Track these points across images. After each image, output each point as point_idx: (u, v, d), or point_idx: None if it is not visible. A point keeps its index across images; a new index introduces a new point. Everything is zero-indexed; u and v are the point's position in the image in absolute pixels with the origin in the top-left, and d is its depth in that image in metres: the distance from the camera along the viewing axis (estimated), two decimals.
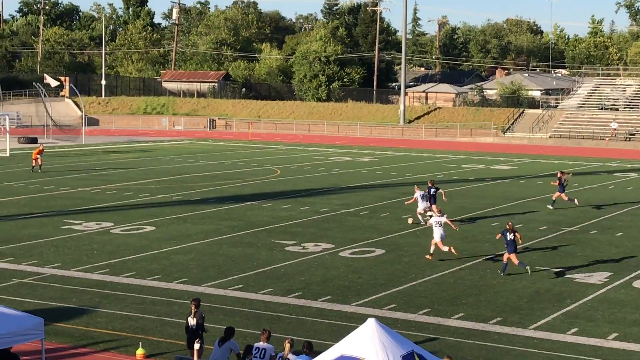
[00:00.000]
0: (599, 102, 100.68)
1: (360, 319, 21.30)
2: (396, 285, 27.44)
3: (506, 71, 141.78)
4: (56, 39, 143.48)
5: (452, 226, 32.29)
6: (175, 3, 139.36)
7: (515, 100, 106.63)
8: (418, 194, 38.79)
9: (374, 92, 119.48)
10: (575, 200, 43.80)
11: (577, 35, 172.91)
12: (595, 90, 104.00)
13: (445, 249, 30.99)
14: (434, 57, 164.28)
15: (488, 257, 31.73)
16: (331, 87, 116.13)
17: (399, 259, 31.25)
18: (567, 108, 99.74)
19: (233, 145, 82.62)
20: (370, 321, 15.31)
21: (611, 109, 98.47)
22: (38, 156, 56.79)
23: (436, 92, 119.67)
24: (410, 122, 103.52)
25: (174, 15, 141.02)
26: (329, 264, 30.33)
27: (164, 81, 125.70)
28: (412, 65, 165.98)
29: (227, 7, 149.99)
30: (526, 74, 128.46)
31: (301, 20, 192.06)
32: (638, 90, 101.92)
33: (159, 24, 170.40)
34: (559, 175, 44.15)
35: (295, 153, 75.30)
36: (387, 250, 32.64)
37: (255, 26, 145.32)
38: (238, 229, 36.90)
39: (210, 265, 29.93)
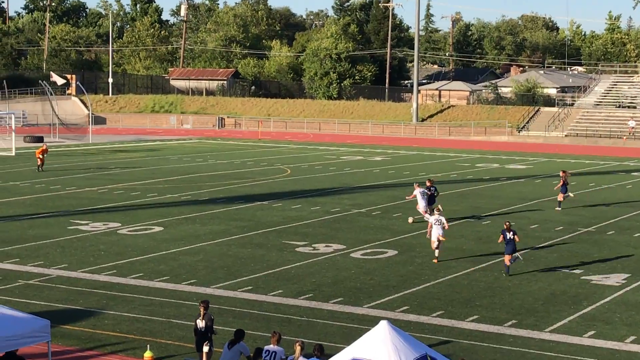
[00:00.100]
0: (616, 100, 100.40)
1: (373, 321, 21.29)
2: (409, 287, 27.41)
3: (521, 68, 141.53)
4: (63, 36, 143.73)
5: (446, 226, 31.96)
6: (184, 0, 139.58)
7: (530, 98, 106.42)
8: (418, 191, 38.85)
9: (386, 90, 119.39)
10: (570, 194, 43.86)
11: (593, 32, 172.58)
12: (613, 87, 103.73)
13: (434, 245, 31.21)
14: (447, 54, 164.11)
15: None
16: (342, 84, 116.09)
17: (412, 260, 31.23)
18: (584, 106, 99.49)
19: (242, 144, 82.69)
20: (383, 323, 15.29)
21: (629, 106, 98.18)
22: (40, 155, 56.93)
23: (450, 90, 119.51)
24: (423, 120, 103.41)
25: (183, 12, 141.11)
26: (341, 265, 30.32)
27: (172, 79, 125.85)
28: (425, 62, 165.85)
29: (236, 3, 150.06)
30: (542, 71, 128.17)
31: (312, 17, 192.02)
32: None
33: (167, 20, 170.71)
34: (562, 174, 44.12)
35: (306, 152, 75.32)
36: (399, 251, 32.61)
37: (264, 23, 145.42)
38: (247, 229, 36.93)
39: (219, 266, 29.95)
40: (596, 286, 27.91)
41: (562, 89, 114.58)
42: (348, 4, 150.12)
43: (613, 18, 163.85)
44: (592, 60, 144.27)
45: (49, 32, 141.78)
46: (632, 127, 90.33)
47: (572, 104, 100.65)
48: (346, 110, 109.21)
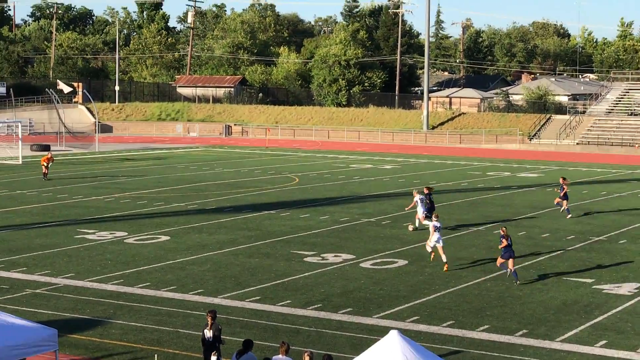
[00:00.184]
0: (628, 108, 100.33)
1: (382, 331, 21.35)
2: (419, 297, 27.46)
3: (532, 76, 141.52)
4: (69, 44, 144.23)
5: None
6: (191, 6, 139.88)
7: (541, 105, 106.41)
8: (417, 197, 39.10)
9: (396, 97, 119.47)
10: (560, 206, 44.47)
11: (605, 39, 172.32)
12: (625, 95, 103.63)
13: (429, 249, 31.97)
14: (458, 61, 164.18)
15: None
16: (351, 91, 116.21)
17: (422, 270, 31.27)
18: (596, 114, 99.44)
19: (250, 153, 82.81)
20: (393, 334, 15.35)
21: None
22: (45, 164, 57.17)
23: (460, 97, 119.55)
24: (433, 128, 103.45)
25: (189, 19, 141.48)
26: (350, 275, 30.37)
27: (179, 86, 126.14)
28: (435, 69, 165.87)
29: (243, 9, 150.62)
30: (553, 79, 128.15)
31: (320, 23, 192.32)
32: None
33: (174, 27, 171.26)
34: (562, 182, 44.45)
35: (314, 160, 75.40)
36: (409, 261, 32.65)
37: (272, 29, 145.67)
38: (255, 239, 37.01)
39: (226, 276, 30.04)
40: (608, 295, 27.93)
41: (574, 97, 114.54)
42: (357, 10, 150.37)
43: (625, 25, 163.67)
44: (603, 68, 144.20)
45: (55, 39, 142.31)
46: None
47: (584, 112, 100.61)
48: (355, 118, 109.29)
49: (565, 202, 44.04)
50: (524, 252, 34.60)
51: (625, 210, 46.31)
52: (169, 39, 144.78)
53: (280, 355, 17.94)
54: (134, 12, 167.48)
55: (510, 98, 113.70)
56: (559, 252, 34.82)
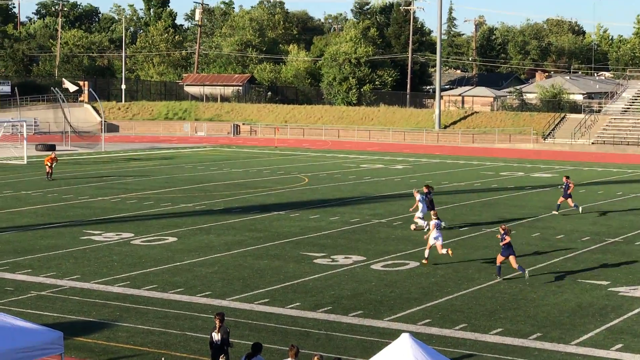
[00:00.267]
0: None
1: (393, 334, 21.34)
2: (431, 300, 27.45)
3: (546, 74, 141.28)
4: (75, 41, 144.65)
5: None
6: (198, 3, 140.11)
7: (556, 104, 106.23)
8: (418, 197, 39.37)
9: (408, 95, 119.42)
10: (554, 212, 44.67)
11: (621, 36, 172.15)
12: None
13: (443, 251, 32.25)
14: (470, 59, 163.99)
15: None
16: (362, 90, 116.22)
17: (434, 272, 31.26)
18: (611, 112, 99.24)
19: (258, 152, 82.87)
20: (404, 337, 15.36)
21: None
22: (49, 163, 57.34)
23: (473, 96, 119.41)
24: (445, 127, 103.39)
25: (197, 16, 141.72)
26: (360, 277, 30.37)
27: (186, 85, 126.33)
28: (447, 67, 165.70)
29: (252, 7, 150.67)
30: (567, 77, 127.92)
31: (330, 20, 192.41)
32: None
33: (181, 25, 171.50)
34: (565, 180, 44.71)
35: (324, 160, 75.42)
36: (421, 263, 32.63)
37: (281, 27, 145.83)
38: (264, 240, 37.04)
39: (235, 278, 30.07)
40: (624, 298, 27.87)
41: (589, 95, 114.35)
42: (368, 7, 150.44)
43: None
44: (619, 66, 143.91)
45: (61, 37, 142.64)
46: None
47: (599, 111, 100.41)
48: (366, 117, 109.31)
49: (570, 200, 44.32)
50: (539, 253, 34.55)
51: None
52: (176, 37, 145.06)
53: (289, 359, 17.96)
54: (141, 9, 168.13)
55: (524, 97, 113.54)
56: (573, 253, 34.76)
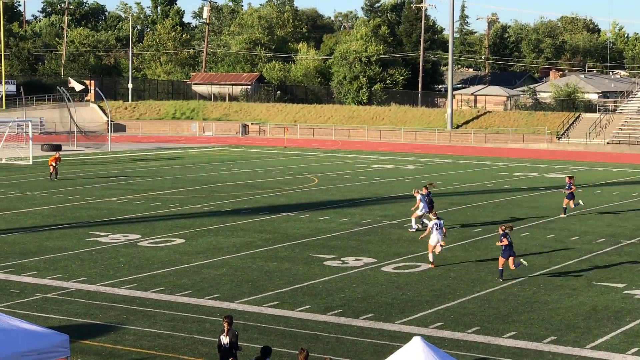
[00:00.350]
0: None
1: (405, 338, 21.33)
2: (443, 302, 27.43)
3: (561, 72, 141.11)
4: (81, 40, 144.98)
5: (443, 232, 32.90)
6: (206, 1, 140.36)
7: (570, 103, 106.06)
8: (419, 197, 39.42)
9: (419, 94, 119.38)
10: (562, 215, 44.61)
11: (637, 34, 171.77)
12: None
13: (430, 257, 32.37)
14: (483, 58, 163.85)
15: (541, 271, 31.62)
16: (373, 89, 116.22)
17: (446, 274, 31.23)
18: (627, 112, 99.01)
19: (267, 152, 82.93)
20: (416, 340, 15.35)
21: None
22: (53, 164, 57.49)
23: (486, 95, 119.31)
24: (458, 127, 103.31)
25: (205, 14, 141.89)
26: (371, 280, 30.37)
27: (194, 84, 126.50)
28: (459, 66, 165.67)
29: (261, 4, 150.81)
30: (582, 76, 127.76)
31: (340, 18, 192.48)
32: None
33: (189, 23, 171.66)
34: (568, 180, 44.68)
35: (334, 160, 75.44)
36: (434, 267, 32.59)
37: (291, 25, 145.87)
38: (273, 242, 37.06)
39: (243, 280, 30.09)
40: None
41: (604, 94, 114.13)
42: (378, 4, 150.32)
43: None
44: (635, 64, 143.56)
45: (66, 36, 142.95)
46: None
47: (615, 110, 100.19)
48: (377, 116, 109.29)
49: (571, 201, 44.28)
50: (553, 255, 34.53)
51: None
52: (183, 35, 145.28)
53: None
54: (148, 7, 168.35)
55: (538, 96, 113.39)
56: (588, 255, 34.69)
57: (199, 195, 51.11)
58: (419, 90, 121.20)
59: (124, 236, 37.88)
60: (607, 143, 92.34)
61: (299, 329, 24.43)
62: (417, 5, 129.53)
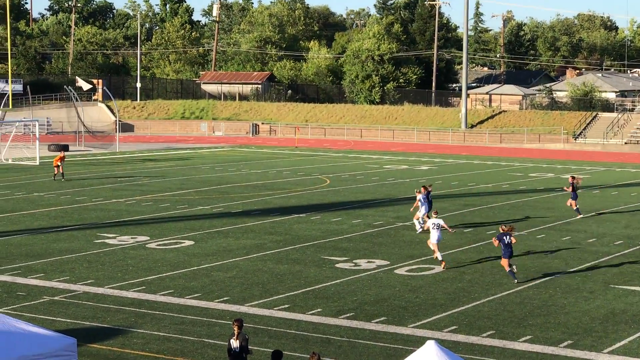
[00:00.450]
0: None
1: (418, 341, 21.32)
2: (457, 306, 27.40)
3: (577, 71, 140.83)
4: (89, 38, 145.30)
5: (449, 230, 33.60)
6: None
7: (587, 102, 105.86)
8: (420, 197, 39.54)
9: (433, 94, 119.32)
10: (580, 215, 44.62)
11: None
12: None
13: (439, 256, 32.57)
14: (498, 56, 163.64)
15: (558, 273, 31.57)
16: (385, 88, 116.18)
17: (461, 277, 31.20)
18: None
19: (278, 153, 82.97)
20: (430, 344, 15.34)
21: None
22: (59, 163, 57.65)
23: (501, 94, 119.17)
24: (472, 126, 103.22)
25: (215, 12, 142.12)
26: (384, 283, 30.36)
27: (204, 83, 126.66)
28: (474, 64, 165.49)
29: (271, 2, 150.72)
30: (599, 74, 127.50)
31: (352, 16, 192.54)
32: None
33: (198, 21, 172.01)
34: (570, 180, 44.76)
35: (346, 161, 75.44)
36: (447, 267, 32.58)
37: (302, 23, 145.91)
38: (284, 243, 37.07)
39: (254, 283, 30.10)
40: None
41: (622, 93, 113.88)
42: (391, 2, 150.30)
43: None
44: None
45: (74, 34, 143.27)
46: None
47: (633, 109, 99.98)
48: (390, 116, 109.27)
49: (574, 202, 44.27)
50: (569, 258, 34.45)
51: None
52: (193, 33, 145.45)
53: None
54: (157, 5, 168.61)
55: (554, 95, 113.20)
56: (605, 257, 34.61)
57: (209, 197, 51.17)
58: (433, 89, 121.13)
59: (132, 238, 37.94)
60: (625, 143, 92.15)
61: (311, 333, 24.43)
62: (431, 2, 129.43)
